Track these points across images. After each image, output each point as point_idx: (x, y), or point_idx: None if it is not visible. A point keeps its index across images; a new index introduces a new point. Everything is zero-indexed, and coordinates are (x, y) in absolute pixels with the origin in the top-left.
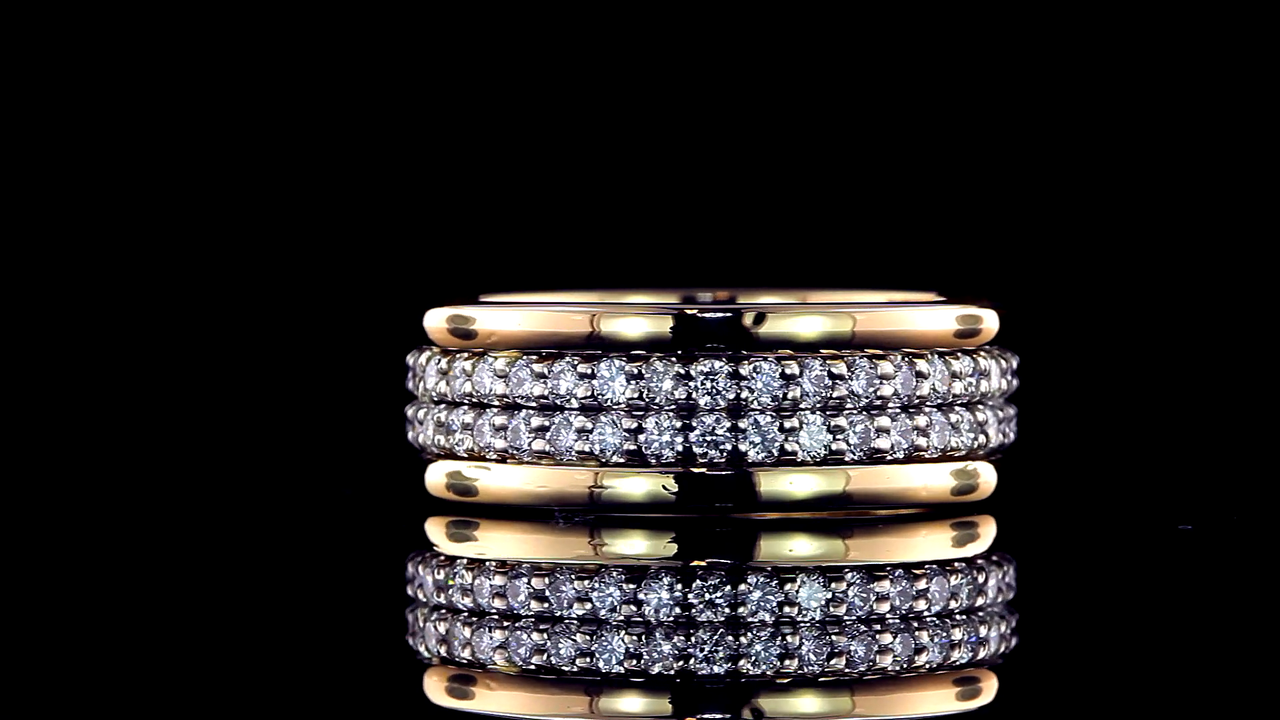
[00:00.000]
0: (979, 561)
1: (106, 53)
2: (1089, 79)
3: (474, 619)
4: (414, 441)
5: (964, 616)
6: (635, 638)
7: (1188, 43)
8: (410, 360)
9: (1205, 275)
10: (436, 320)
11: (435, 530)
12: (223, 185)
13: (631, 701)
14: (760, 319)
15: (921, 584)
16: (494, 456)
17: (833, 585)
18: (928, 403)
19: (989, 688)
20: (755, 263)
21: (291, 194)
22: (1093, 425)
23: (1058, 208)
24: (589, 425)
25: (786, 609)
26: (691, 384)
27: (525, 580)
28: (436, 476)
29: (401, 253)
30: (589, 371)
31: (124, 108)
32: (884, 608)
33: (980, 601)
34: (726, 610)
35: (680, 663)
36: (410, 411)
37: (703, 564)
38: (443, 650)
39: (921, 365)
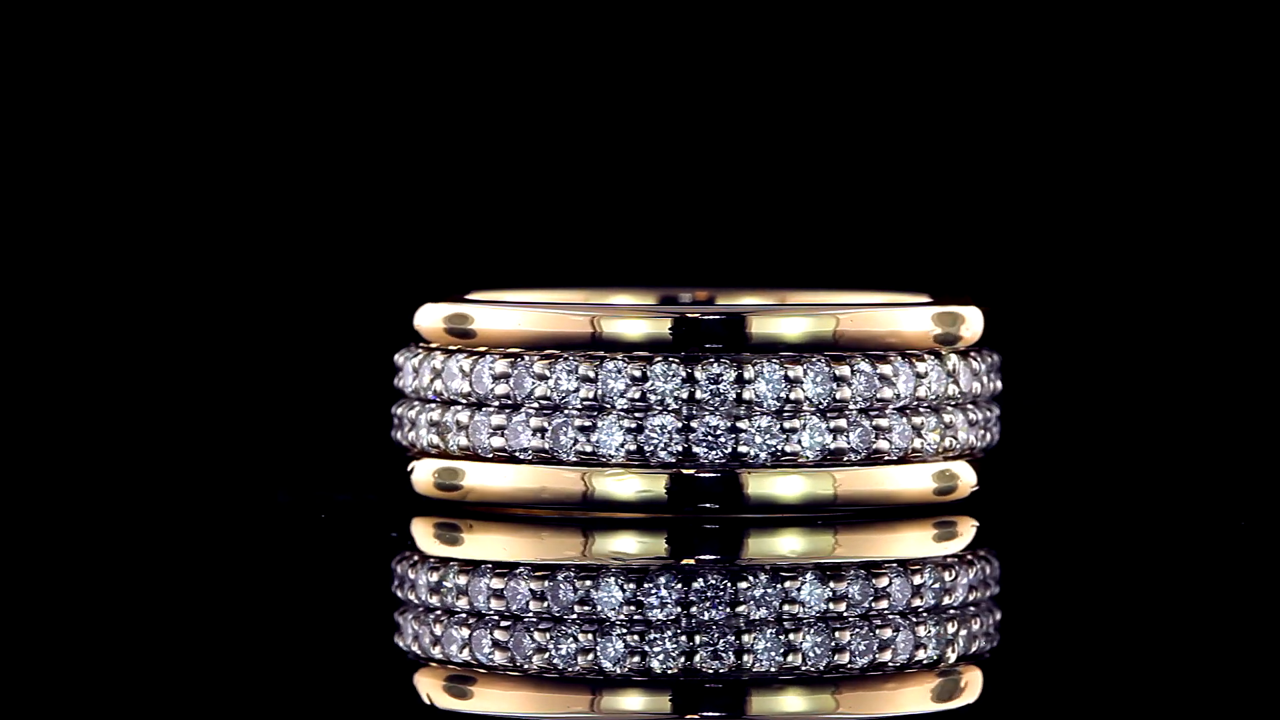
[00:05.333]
0: (960, 558)
1: (105, 52)
2: (1077, 78)
3: (508, 621)
4: (403, 441)
5: (946, 613)
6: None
7: (1169, 44)
8: (399, 359)
9: (1189, 275)
10: (431, 318)
11: (422, 530)
12: (205, 184)
13: (632, 700)
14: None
15: (900, 580)
16: (506, 456)
17: (831, 585)
18: (909, 404)
19: (972, 685)
20: (737, 262)
21: (273, 194)
22: (1079, 425)
23: (1041, 207)
24: (589, 424)
25: (786, 607)
26: (695, 385)
27: (568, 583)
28: (424, 475)
29: (378, 251)
30: (591, 374)
31: (117, 106)
32: (860, 606)
33: (962, 598)
34: (726, 609)
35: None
36: (399, 411)
37: (692, 561)
38: (439, 651)
39: (901, 366)
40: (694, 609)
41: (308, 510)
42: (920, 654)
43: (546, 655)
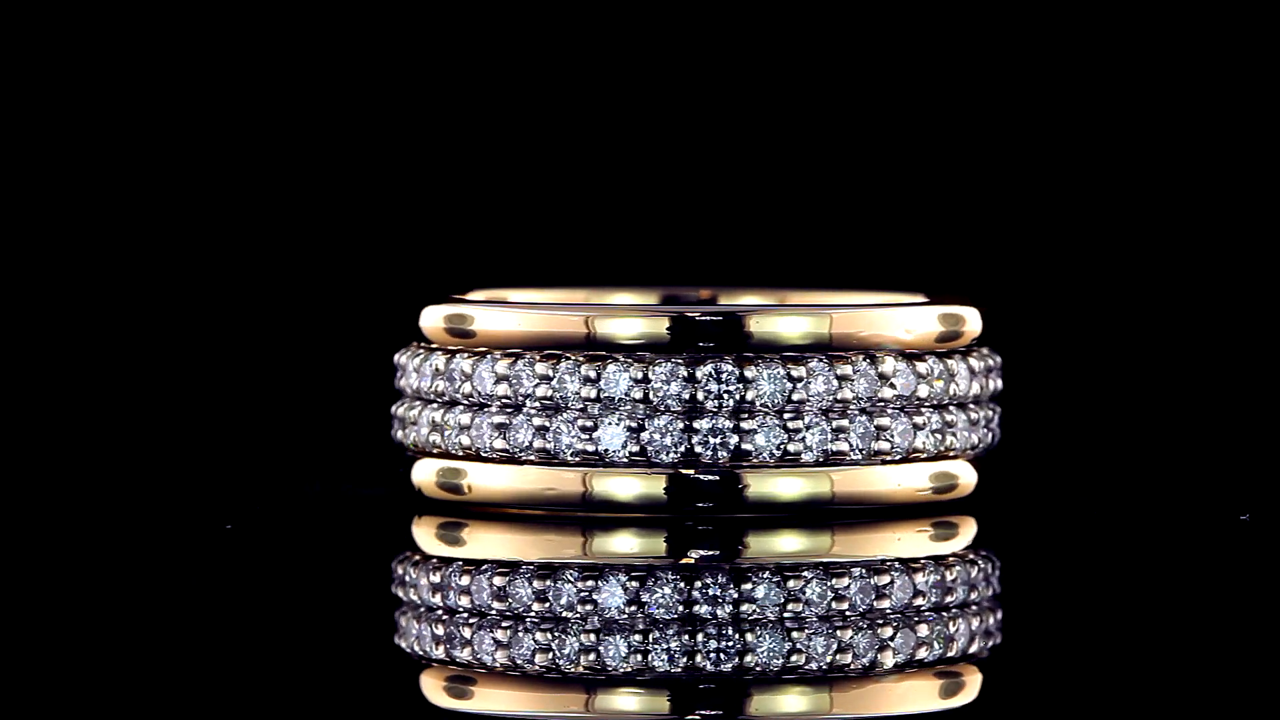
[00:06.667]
0: (959, 557)
1: (105, 52)
2: (1077, 79)
3: (548, 623)
4: (402, 441)
5: (946, 612)
6: (641, 636)
7: (1169, 44)
8: (399, 359)
9: (1188, 275)
10: (431, 318)
11: (423, 530)
12: (209, 188)
13: (628, 700)
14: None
15: (900, 579)
16: (529, 457)
17: (832, 582)
18: (910, 404)
19: (972, 683)
20: (737, 262)
21: (275, 196)
22: (1079, 425)
23: (1040, 207)
24: (591, 425)
25: (790, 606)
26: (695, 386)
27: (620, 582)
28: (425, 475)
29: (380, 251)
30: (593, 374)
31: (119, 107)
32: (859, 604)
33: (962, 598)
34: (728, 608)
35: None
36: (398, 410)
37: (692, 560)
38: (444, 652)
39: (903, 366)
40: (744, 608)
41: (336, 502)
42: (921, 653)
43: (594, 656)
